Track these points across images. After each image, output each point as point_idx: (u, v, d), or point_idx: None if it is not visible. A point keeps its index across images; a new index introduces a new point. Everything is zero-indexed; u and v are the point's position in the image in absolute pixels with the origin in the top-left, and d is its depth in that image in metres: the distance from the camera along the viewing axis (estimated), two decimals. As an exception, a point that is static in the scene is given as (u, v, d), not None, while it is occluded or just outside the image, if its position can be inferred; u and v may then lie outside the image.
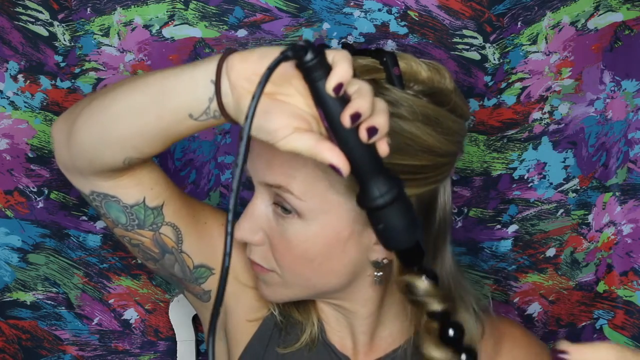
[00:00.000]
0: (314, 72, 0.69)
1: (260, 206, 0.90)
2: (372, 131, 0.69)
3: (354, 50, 0.91)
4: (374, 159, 0.71)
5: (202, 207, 1.01)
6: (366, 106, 0.69)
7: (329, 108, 0.69)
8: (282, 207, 0.88)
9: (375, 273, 0.93)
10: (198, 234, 0.98)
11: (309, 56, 0.68)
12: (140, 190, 0.92)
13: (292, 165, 0.86)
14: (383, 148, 0.71)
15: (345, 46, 0.94)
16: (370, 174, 0.72)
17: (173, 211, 0.95)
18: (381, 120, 0.69)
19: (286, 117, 0.71)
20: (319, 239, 0.88)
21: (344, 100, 0.69)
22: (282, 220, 0.88)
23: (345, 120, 0.69)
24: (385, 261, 0.91)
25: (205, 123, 0.78)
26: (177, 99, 0.77)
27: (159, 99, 0.78)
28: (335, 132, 0.70)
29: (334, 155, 0.70)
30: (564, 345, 0.72)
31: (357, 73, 0.83)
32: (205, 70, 0.75)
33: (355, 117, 0.68)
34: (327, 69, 0.69)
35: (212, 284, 1.00)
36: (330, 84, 0.68)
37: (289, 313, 1.01)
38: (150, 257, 0.98)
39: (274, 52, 0.69)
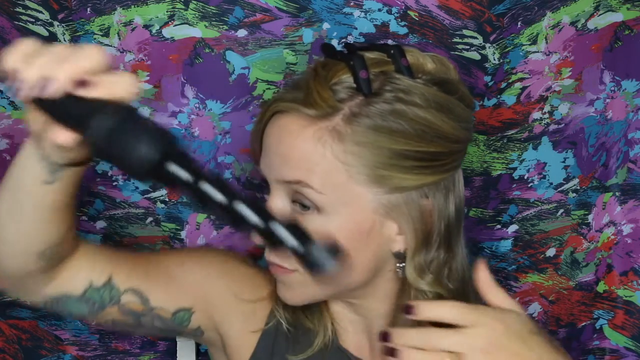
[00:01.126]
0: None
1: (278, 205, 0.89)
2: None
3: (360, 46, 0.91)
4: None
5: (155, 256, 1.01)
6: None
7: None
8: (301, 204, 0.87)
9: (398, 264, 0.92)
10: (161, 284, 0.97)
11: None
12: (83, 275, 0.91)
13: (310, 159, 0.86)
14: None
15: (347, 46, 0.94)
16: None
17: (126, 278, 0.94)
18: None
19: None
20: (341, 233, 0.87)
21: None
22: (301, 217, 0.87)
23: None
24: (406, 251, 0.91)
25: (63, 176, 0.77)
26: (24, 178, 0.78)
27: (12, 189, 0.79)
28: None
29: None
30: (411, 302, 0.82)
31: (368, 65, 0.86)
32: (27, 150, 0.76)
33: None
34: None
35: (197, 320, 0.99)
36: None
37: (298, 320, 1.00)
38: (129, 325, 0.97)
39: None
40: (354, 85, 0.86)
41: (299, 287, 0.93)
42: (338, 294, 0.96)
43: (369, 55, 0.89)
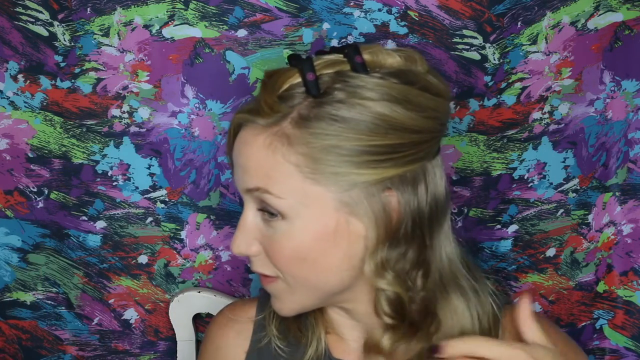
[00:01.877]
0: None
1: (249, 217, 0.90)
2: None
3: (319, 51, 0.92)
4: None
5: None
6: None
7: None
8: (268, 212, 0.88)
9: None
10: None
11: None
12: None
13: (264, 166, 0.86)
14: None
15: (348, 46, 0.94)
16: None
17: None
18: None
19: None
20: (306, 236, 0.87)
21: None
22: (269, 225, 0.88)
23: None
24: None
25: None
26: None
27: None
28: None
29: None
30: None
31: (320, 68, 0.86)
32: None
33: None
34: None
35: None
36: None
37: (289, 334, 1.01)
38: None
39: None
40: (303, 89, 0.86)
41: (286, 295, 0.93)
42: (324, 299, 0.95)
43: (324, 57, 0.89)
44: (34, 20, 1.17)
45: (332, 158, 0.85)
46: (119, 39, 1.18)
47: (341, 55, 0.88)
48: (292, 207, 0.86)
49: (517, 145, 1.26)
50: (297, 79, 0.87)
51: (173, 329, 1.27)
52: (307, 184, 0.86)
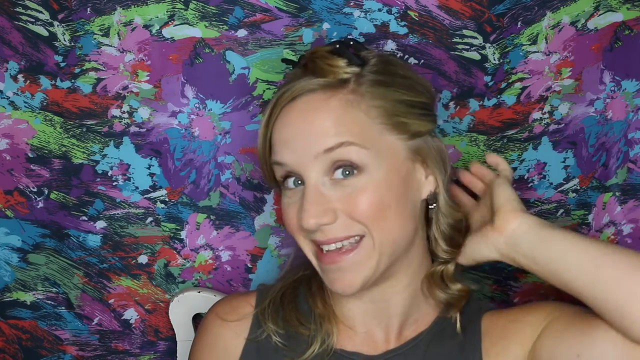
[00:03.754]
0: None
1: (318, 184, 0.94)
2: None
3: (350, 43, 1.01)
4: None
5: None
6: None
7: None
8: (344, 169, 0.93)
9: (431, 207, 1.01)
10: None
11: None
12: None
13: (346, 122, 0.93)
14: None
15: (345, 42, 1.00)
16: None
17: None
18: None
19: None
20: (386, 183, 0.94)
21: None
22: (347, 183, 0.93)
23: None
24: (436, 191, 1.00)
25: None
26: None
27: None
28: None
29: None
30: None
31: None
32: None
33: None
34: None
35: None
36: None
37: (291, 329, 1.03)
38: None
39: None
40: (346, 61, 0.95)
41: (365, 261, 0.95)
42: (393, 261, 0.98)
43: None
44: (34, 20, 1.17)
45: (396, 110, 0.96)
46: (119, 39, 1.18)
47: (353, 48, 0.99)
48: (373, 157, 0.93)
49: (517, 145, 1.26)
50: (341, 59, 0.96)
51: (173, 329, 1.27)
52: (382, 134, 0.95)
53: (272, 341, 1.03)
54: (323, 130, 0.93)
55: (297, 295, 1.06)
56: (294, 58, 1.17)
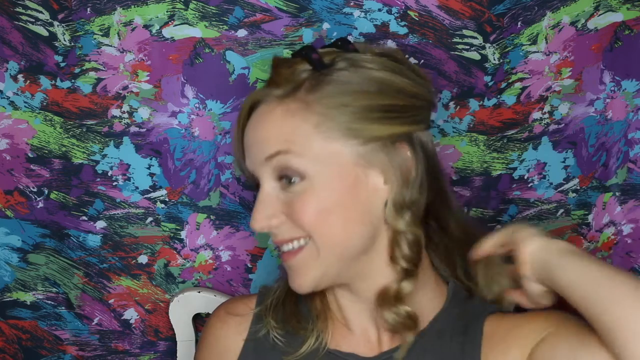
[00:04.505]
0: None
1: (267, 190, 0.96)
2: None
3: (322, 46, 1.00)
4: None
5: None
6: None
7: None
8: (287, 178, 0.94)
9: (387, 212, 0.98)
10: None
11: None
12: None
13: (284, 131, 0.94)
14: None
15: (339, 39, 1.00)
16: None
17: None
18: None
19: None
20: (328, 191, 0.94)
21: None
22: (289, 190, 0.94)
23: None
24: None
25: None
26: None
27: None
28: None
29: None
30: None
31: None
32: None
33: None
34: None
35: None
36: None
37: (287, 325, 1.04)
38: None
39: None
40: (310, 68, 0.96)
41: (311, 262, 0.96)
42: (345, 268, 0.98)
43: (320, 50, 0.98)
44: (34, 20, 1.17)
45: (346, 115, 0.94)
46: (119, 39, 1.18)
47: (334, 48, 0.99)
48: (313, 165, 0.93)
49: (517, 145, 1.26)
50: (301, 64, 0.96)
51: (173, 329, 1.27)
52: (326, 142, 0.94)
53: (270, 338, 1.04)
54: (265, 140, 0.95)
55: (297, 296, 1.07)
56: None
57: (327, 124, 0.93)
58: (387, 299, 0.98)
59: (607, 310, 0.85)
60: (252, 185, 1.09)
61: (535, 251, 0.92)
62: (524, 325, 0.99)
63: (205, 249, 1.27)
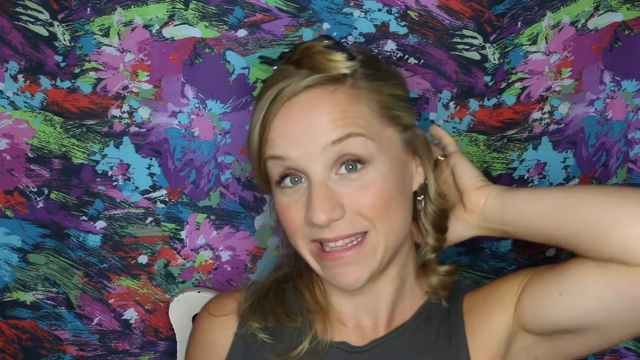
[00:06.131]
0: None
1: (326, 181, 0.94)
2: None
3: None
4: None
5: None
6: None
7: None
8: (349, 165, 0.94)
9: (420, 198, 1.03)
10: None
11: None
12: None
13: (351, 115, 0.94)
14: None
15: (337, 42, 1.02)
16: None
17: None
18: None
19: None
20: (392, 175, 0.96)
21: None
22: (354, 177, 0.94)
23: None
24: (425, 181, 1.03)
25: None
26: None
27: None
28: None
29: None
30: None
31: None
32: None
33: None
34: None
35: None
36: None
37: (276, 320, 1.04)
38: None
39: None
40: (345, 56, 0.97)
41: (369, 256, 0.96)
42: (393, 254, 0.99)
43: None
44: (34, 20, 1.17)
45: (395, 103, 0.99)
46: (119, 39, 1.18)
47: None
48: (378, 149, 0.95)
49: (517, 145, 1.26)
50: (342, 53, 0.97)
51: (173, 329, 1.27)
52: (383, 126, 0.97)
53: (259, 337, 1.04)
54: (330, 122, 0.93)
55: (284, 290, 1.07)
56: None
57: (380, 110, 0.97)
58: (429, 267, 1.04)
59: (581, 218, 0.90)
60: (254, 185, 1.09)
61: (486, 203, 0.98)
62: (497, 288, 1.03)
63: (205, 249, 1.27)
